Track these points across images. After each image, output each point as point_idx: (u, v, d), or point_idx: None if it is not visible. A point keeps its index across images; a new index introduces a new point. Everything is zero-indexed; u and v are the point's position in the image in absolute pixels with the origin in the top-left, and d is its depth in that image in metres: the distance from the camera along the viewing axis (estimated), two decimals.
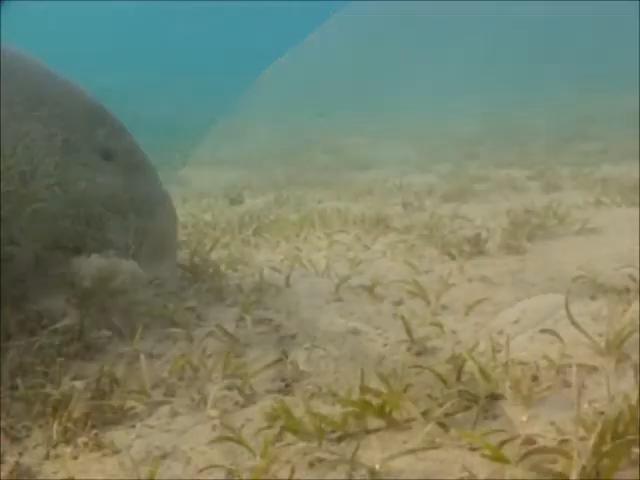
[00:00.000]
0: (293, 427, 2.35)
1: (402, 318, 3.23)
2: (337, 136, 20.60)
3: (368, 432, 2.42)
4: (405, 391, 2.51)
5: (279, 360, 2.96)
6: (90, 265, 3.38)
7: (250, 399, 2.75)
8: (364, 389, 2.52)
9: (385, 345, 3.26)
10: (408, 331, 3.17)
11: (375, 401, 2.45)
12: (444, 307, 3.75)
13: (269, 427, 2.40)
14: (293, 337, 3.45)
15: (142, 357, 2.95)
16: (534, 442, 2.12)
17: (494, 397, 2.53)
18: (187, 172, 13.62)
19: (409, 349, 3.13)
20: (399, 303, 3.85)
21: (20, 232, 3.63)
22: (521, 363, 2.63)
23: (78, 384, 2.72)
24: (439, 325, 3.37)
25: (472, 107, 25.04)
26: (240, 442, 2.31)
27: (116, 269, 3.46)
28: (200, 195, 10.21)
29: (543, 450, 2.02)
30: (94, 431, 2.48)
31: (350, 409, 2.39)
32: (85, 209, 3.89)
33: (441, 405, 2.47)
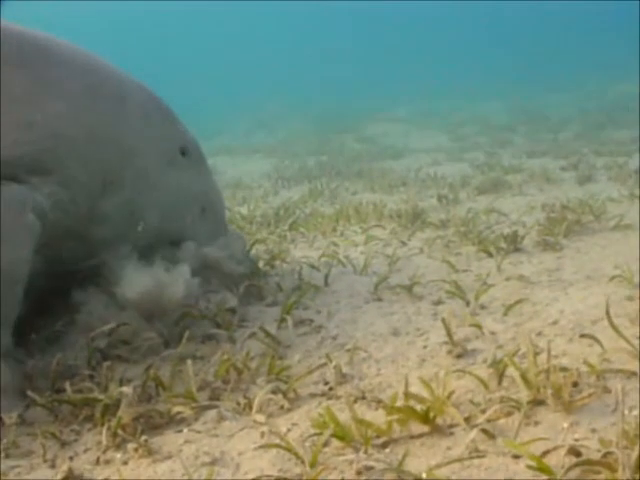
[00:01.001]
0: (339, 434, 2.40)
1: (443, 321, 3.26)
2: (369, 123, 20.58)
3: (412, 437, 2.46)
4: (449, 397, 2.55)
5: (323, 365, 3.00)
6: (137, 281, 3.42)
7: (295, 403, 2.80)
8: (408, 395, 2.56)
9: (425, 347, 3.30)
10: (449, 334, 3.20)
11: (419, 407, 2.49)
12: (483, 307, 3.77)
13: (316, 434, 2.44)
14: (334, 338, 3.50)
15: (189, 362, 3.01)
16: (578, 452, 2.15)
17: (536, 402, 2.56)
18: (221, 161, 13.73)
19: (450, 352, 3.16)
20: (438, 303, 3.89)
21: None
22: (562, 369, 2.66)
23: (125, 389, 2.78)
24: (478, 326, 3.40)
25: (503, 93, 24.97)
26: (288, 449, 2.36)
27: (167, 284, 3.50)
28: (235, 185, 10.30)
29: (587, 462, 2.05)
30: (143, 437, 2.54)
31: (395, 416, 2.44)
32: (173, 206, 4.07)
33: (484, 411, 2.50)
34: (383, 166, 11.66)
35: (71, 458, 2.55)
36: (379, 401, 2.54)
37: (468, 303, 3.82)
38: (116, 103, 3.82)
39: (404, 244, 5.37)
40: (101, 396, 2.78)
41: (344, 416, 2.52)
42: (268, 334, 3.44)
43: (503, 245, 4.82)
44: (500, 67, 36.38)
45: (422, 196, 7.95)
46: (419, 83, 32.29)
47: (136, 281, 3.42)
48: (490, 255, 4.73)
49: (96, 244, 3.69)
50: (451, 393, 2.57)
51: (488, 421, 2.46)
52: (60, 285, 3.54)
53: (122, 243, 3.77)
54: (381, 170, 10.84)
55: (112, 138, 3.71)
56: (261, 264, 4.80)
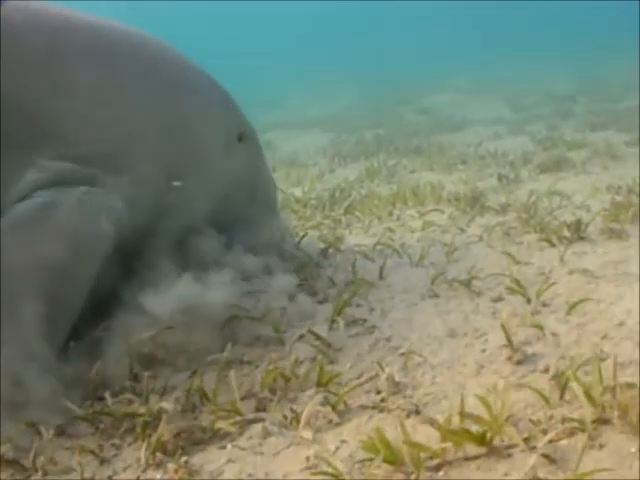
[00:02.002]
0: (390, 458, 2.26)
1: (502, 327, 3.08)
2: (428, 93, 20.26)
3: (467, 459, 2.31)
4: (507, 419, 2.39)
5: (375, 376, 2.86)
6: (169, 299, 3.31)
7: (344, 416, 2.67)
8: (463, 415, 2.41)
9: (484, 351, 3.13)
10: (508, 339, 3.04)
11: (475, 428, 2.34)
12: (544, 304, 3.59)
13: (367, 459, 2.31)
14: (388, 340, 3.35)
15: (232, 374, 2.89)
16: None
17: (601, 422, 2.39)
18: (276, 136, 13.62)
19: (509, 357, 2.99)
20: (498, 300, 3.71)
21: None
22: (629, 386, 2.48)
23: (165, 405, 2.67)
24: (540, 327, 3.22)
25: (565, 61, 24.32)
26: (335, 476, 2.24)
27: (203, 295, 3.39)
28: (290, 163, 10.16)
29: None
30: (184, 458, 2.43)
31: (449, 443, 2.29)
32: (228, 193, 4.09)
33: (544, 431, 2.35)
34: (442, 140, 11.41)
35: (110, 478, 2.46)
36: (433, 422, 2.39)
37: (529, 300, 3.63)
38: (184, 95, 3.84)
39: (462, 231, 5.18)
40: (142, 409, 2.68)
41: (396, 434, 2.39)
42: (318, 337, 3.31)
43: (566, 234, 4.59)
44: (560, 32, 35.51)
45: (482, 175, 7.72)
46: (479, 51, 31.69)
47: (166, 298, 3.30)
48: (552, 245, 4.51)
49: (160, 236, 3.72)
50: (509, 416, 2.41)
51: (550, 442, 2.30)
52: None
53: (181, 234, 3.82)
54: (440, 146, 10.59)
55: (179, 132, 3.72)
56: (314, 253, 4.65)
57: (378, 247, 4.88)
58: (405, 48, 37.57)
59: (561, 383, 2.61)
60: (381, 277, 4.21)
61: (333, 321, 3.47)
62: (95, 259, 3.21)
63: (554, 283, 3.73)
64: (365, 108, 19.19)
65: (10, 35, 3.28)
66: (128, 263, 3.55)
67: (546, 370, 2.84)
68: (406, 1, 46.17)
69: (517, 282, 3.80)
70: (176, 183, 3.53)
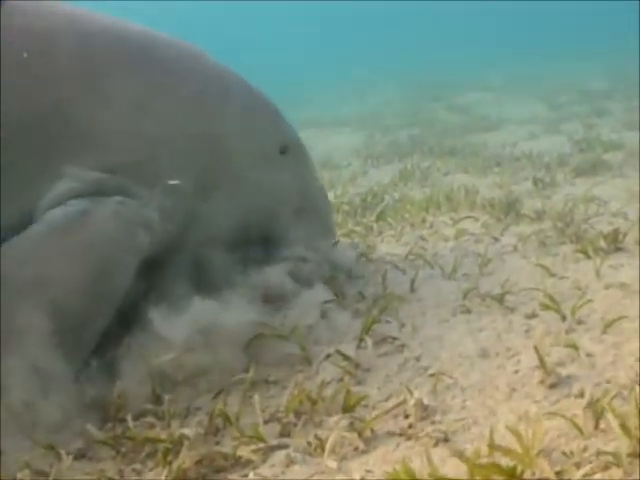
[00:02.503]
0: None
1: (535, 349, 2.98)
2: (463, 90, 20.07)
3: None
4: (539, 453, 2.30)
5: (402, 402, 2.78)
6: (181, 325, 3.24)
7: (370, 443, 2.59)
8: (493, 447, 2.32)
9: (516, 372, 3.04)
10: (542, 361, 2.94)
11: (505, 462, 2.25)
12: (580, 321, 3.48)
13: None
14: (418, 359, 3.27)
15: (256, 398, 2.83)
16: None
17: (636, 455, 2.29)
18: (309, 135, 13.53)
19: (542, 381, 2.89)
20: (532, 316, 3.61)
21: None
22: None
23: (187, 432, 2.62)
24: (574, 347, 3.12)
25: (597, 57, 23.97)
26: None
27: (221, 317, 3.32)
28: (323, 164, 10.08)
29: None
30: None
31: (478, 473, 2.21)
32: (268, 207, 4.02)
33: (577, 465, 2.26)
34: (476, 141, 11.28)
35: None
36: (461, 455, 2.30)
37: (564, 317, 3.52)
38: (219, 104, 3.78)
39: (496, 240, 5.07)
40: (163, 435, 2.63)
41: (422, 464, 2.31)
42: (345, 357, 3.24)
43: (603, 245, 4.47)
44: (596, 27, 35.03)
45: (517, 178, 7.59)
46: (514, 48, 31.36)
47: (188, 317, 3.24)
48: (588, 257, 4.39)
49: (192, 246, 3.68)
50: (541, 451, 2.32)
51: (583, 476, 2.20)
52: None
53: (215, 245, 3.75)
54: (474, 146, 10.46)
55: (215, 142, 3.68)
56: (345, 263, 4.56)
57: (410, 257, 4.78)
58: (440, 45, 37.29)
59: (596, 411, 2.51)
60: (412, 290, 4.12)
61: (361, 340, 3.38)
62: (128, 270, 3.19)
63: (589, 300, 3.60)
64: (400, 106, 19.04)
65: (45, 41, 3.25)
66: (152, 277, 3.49)
67: (580, 395, 2.74)
68: (442, 1, 45.89)
69: (551, 298, 3.69)
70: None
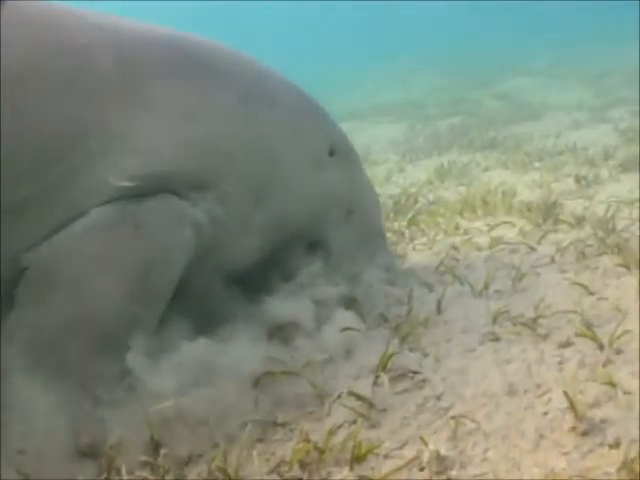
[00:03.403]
0: None
1: (565, 393, 2.70)
2: (508, 76, 19.62)
3: None
4: None
5: (415, 458, 2.52)
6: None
7: None
8: None
9: (545, 414, 2.76)
10: (572, 404, 2.65)
11: None
12: (619, 351, 3.18)
13: None
14: (439, 398, 3.00)
15: (255, 454, 2.59)
16: None
17: None
18: (350, 127, 13.25)
19: (573, 427, 2.61)
20: (566, 345, 3.31)
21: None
22: None
23: None
24: (611, 384, 2.83)
25: None
26: None
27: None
28: (363, 160, 9.79)
29: None
30: None
31: None
32: (316, 211, 3.93)
33: None
34: (519, 131, 10.93)
35: None
36: None
37: (601, 346, 3.22)
38: (267, 110, 3.67)
39: (533, 250, 4.75)
40: None
41: None
42: (359, 397, 2.98)
43: None
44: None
45: (558, 175, 7.24)
46: (560, 32, 30.64)
47: (194, 354, 3.01)
48: (630, 270, 4.07)
49: (246, 252, 3.64)
50: None
51: None
52: None
53: (265, 252, 3.72)
54: (516, 138, 10.10)
55: (264, 148, 3.59)
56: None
57: (440, 268, 4.51)
58: (487, 29, 36.66)
59: (633, 470, 2.23)
60: (439, 312, 3.85)
61: (377, 376, 3.12)
62: (176, 267, 3.13)
63: (628, 331, 3.28)
64: (442, 93, 18.67)
65: (85, 55, 3.16)
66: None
67: (616, 445, 2.48)
68: None
69: (587, 325, 3.40)
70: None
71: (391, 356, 3.21)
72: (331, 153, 3.99)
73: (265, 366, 3.13)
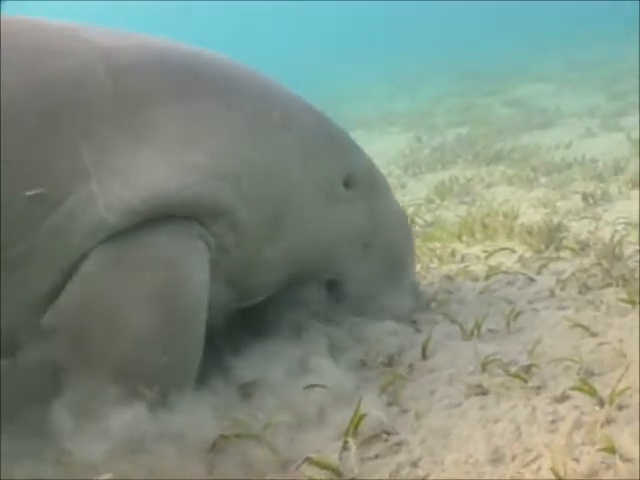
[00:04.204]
0: None
1: (552, 470, 2.35)
2: (519, 81, 19.27)
3: None
4: None
5: None
6: None
7: None
8: None
9: None
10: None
11: None
12: (621, 407, 2.82)
13: None
14: (415, 465, 2.66)
15: None
16: None
17: None
18: (358, 136, 12.90)
19: None
20: (562, 399, 2.95)
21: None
22: None
23: None
24: (610, 450, 2.47)
25: None
26: None
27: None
28: None
29: None
30: None
31: None
32: (328, 245, 3.67)
33: None
34: (529, 141, 10.56)
35: None
36: None
37: (601, 401, 2.86)
38: (279, 133, 3.38)
39: (532, 281, 4.39)
40: None
41: None
42: (325, 464, 2.64)
43: None
44: None
45: (565, 192, 6.87)
46: (574, 34, 30.24)
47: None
48: (636, 305, 3.71)
49: (251, 291, 3.43)
50: None
51: None
52: None
53: (274, 289, 3.54)
54: (524, 149, 9.73)
55: (276, 175, 3.32)
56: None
57: (432, 305, 4.17)
58: (498, 33, 36.31)
59: None
60: (424, 357, 3.50)
61: (346, 441, 2.77)
62: (202, 287, 2.95)
63: (632, 383, 2.92)
64: (452, 101, 18.31)
65: (80, 82, 2.94)
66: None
67: None
68: None
69: (587, 374, 3.05)
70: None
71: (362, 417, 2.86)
72: (347, 184, 3.68)
73: (223, 428, 2.79)
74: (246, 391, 3.14)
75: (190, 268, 2.93)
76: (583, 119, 12.34)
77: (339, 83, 26.45)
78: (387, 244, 3.95)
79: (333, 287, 3.82)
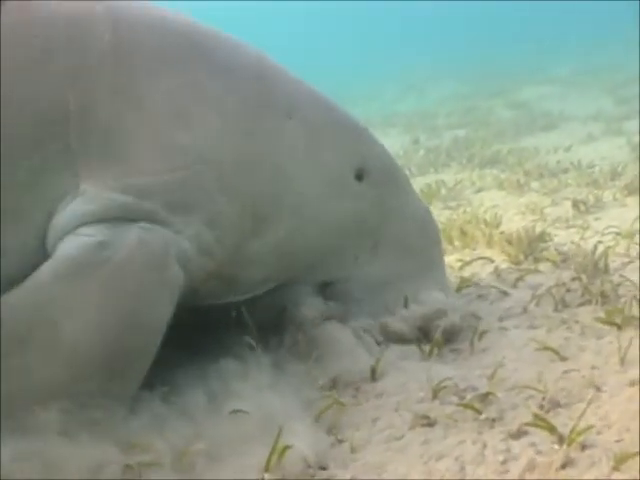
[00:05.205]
0: None
1: None
2: (525, 85, 18.92)
3: None
4: None
5: None
6: None
7: None
8: None
9: None
10: None
11: None
12: (584, 447, 2.45)
13: None
14: None
15: None
16: None
17: None
18: None
19: None
20: (517, 435, 2.58)
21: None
22: None
23: None
24: None
25: None
26: None
27: None
28: None
29: None
30: None
31: None
32: (333, 244, 3.42)
33: None
34: (527, 144, 10.24)
35: None
36: None
37: (561, 439, 2.49)
38: (279, 119, 3.16)
39: (505, 295, 4.02)
40: None
41: None
42: None
43: (636, 313, 3.40)
44: None
45: (557, 197, 6.50)
46: (586, 37, 29.85)
47: None
48: (618, 328, 3.34)
49: (240, 286, 3.18)
50: None
51: None
52: None
53: (269, 285, 3.29)
54: (521, 153, 9.37)
55: (271, 165, 3.09)
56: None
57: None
58: (508, 35, 35.95)
59: None
60: (373, 379, 3.14)
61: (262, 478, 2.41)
62: (162, 311, 2.70)
63: (600, 418, 2.55)
64: (457, 103, 17.97)
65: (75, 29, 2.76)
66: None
67: None
68: None
69: (551, 405, 2.69)
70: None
71: (285, 449, 2.49)
72: (360, 176, 3.42)
73: (128, 457, 2.44)
74: (164, 415, 2.77)
75: (155, 306, 2.70)
76: (587, 122, 11.99)
77: (352, 83, 26.17)
78: (402, 245, 3.66)
79: (332, 288, 3.53)
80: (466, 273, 4.42)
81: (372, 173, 3.50)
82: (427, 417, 2.75)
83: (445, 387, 2.92)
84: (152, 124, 2.80)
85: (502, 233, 5.04)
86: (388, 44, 41.23)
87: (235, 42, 3.30)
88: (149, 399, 2.81)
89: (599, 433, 2.52)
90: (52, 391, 2.45)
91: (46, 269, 2.58)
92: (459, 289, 4.16)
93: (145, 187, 2.74)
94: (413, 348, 3.40)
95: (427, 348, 3.36)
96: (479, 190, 7.42)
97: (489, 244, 4.95)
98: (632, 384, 2.82)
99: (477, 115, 14.81)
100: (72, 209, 2.66)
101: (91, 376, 2.51)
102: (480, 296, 4.04)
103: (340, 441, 2.70)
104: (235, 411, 2.73)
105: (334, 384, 3.10)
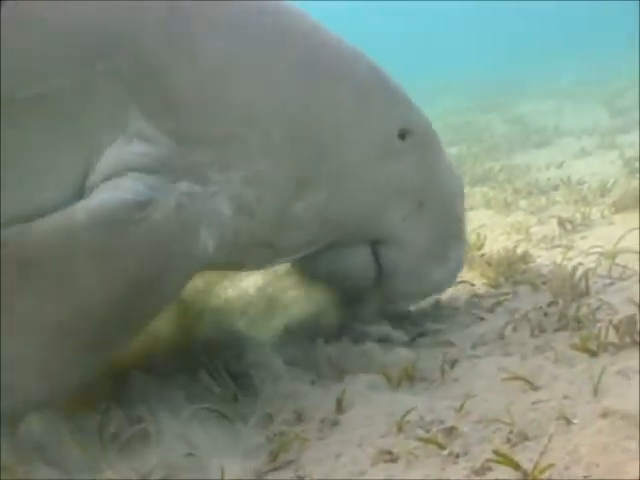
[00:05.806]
0: None
1: None
2: (523, 98, 18.87)
3: None
4: None
5: None
6: None
7: None
8: None
9: None
10: None
11: None
12: None
13: None
14: None
15: None
16: None
17: None
18: None
19: None
20: (480, 471, 2.49)
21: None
22: None
23: None
24: None
25: None
26: None
27: None
28: None
29: None
30: None
31: None
32: (379, 204, 3.46)
33: None
34: (520, 161, 10.15)
35: None
36: None
37: (525, 476, 2.39)
38: (328, 80, 3.21)
39: (482, 320, 3.93)
40: None
41: None
42: None
43: (613, 339, 3.30)
44: None
45: (543, 216, 6.40)
46: (584, 46, 29.82)
47: None
48: (593, 354, 3.24)
49: (282, 251, 3.23)
50: None
51: None
52: None
53: (310, 249, 3.34)
54: (512, 170, 9.29)
55: (318, 125, 3.14)
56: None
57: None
58: (508, 48, 35.96)
59: None
60: (338, 411, 3.04)
61: None
62: (179, 282, 2.80)
63: (568, 453, 2.45)
64: (453, 117, 17.89)
65: None
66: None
67: None
68: (511, 1, 44.28)
69: (518, 438, 2.60)
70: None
71: None
72: (403, 135, 3.47)
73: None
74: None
75: (180, 261, 2.73)
76: (582, 137, 11.90)
77: None
78: (443, 204, 3.74)
79: (384, 249, 3.58)
80: (444, 297, 4.31)
81: (414, 133, 3.53)
82: (390, 452, 2.65)
83: (409, 421, 2.82)
84: (203, 77, 2.85)
85: (482, 256, 4.93)
86: (387, 59, 41.27)
87: (285, 4, 3.32)
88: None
89: (567, 468, 2.42)
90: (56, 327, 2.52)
91: (82, 209, 2.60)
92: (435, 316, 4.06)
93: (193, 137, 2.78)
94: (381, 377, 3.30)
95: (394, 378, 3.25)
96: (467, 209, 7.32)
97: (470, 267, 4.85)
98: (604, 415, 2.71)
99: (472, 131, 14.73)
100: (122, 148, 2.70)
101: (93, 319, 2.55)
102: (456, 321, 3.94)
103: (300, 478, 2.60)
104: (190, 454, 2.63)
105: (299, 417, 3.01)
